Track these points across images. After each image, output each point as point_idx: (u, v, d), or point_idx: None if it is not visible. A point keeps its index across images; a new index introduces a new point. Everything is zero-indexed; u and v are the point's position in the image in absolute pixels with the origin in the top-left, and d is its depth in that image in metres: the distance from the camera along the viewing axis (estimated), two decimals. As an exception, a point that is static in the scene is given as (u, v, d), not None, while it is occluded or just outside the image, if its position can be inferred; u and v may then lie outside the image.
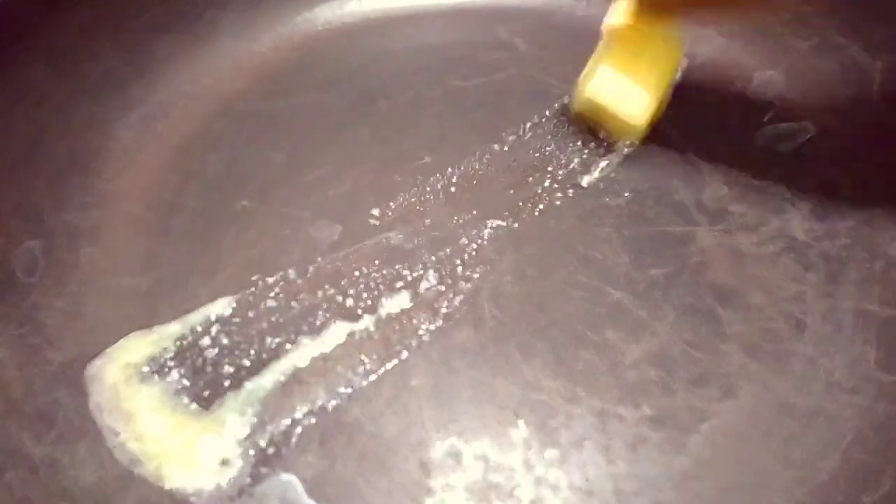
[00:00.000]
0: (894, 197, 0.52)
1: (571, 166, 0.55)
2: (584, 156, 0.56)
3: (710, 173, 0.55)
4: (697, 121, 0.58)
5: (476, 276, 0.50)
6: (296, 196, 0.55)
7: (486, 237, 0.52)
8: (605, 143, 0.56)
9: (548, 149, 0.56)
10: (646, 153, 0.56)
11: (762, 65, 0.60)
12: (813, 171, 0.55)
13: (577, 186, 0.54)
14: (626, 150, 0.56)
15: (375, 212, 0.54)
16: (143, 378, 0.47)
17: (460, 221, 0.53)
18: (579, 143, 0.56)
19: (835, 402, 0.45)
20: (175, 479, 0.43)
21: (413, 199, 0.54)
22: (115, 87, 0.59)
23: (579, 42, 0.61)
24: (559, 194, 0.54)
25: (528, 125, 0.58)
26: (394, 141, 0.57)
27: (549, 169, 0.55)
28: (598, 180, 0.54)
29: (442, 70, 0.61)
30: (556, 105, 0.59)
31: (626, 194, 0.54)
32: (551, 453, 0.44)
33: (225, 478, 0.43)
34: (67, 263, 0.51)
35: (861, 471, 0.43)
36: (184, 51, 0.61)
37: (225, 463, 0.44)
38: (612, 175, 0.55)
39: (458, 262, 0.51)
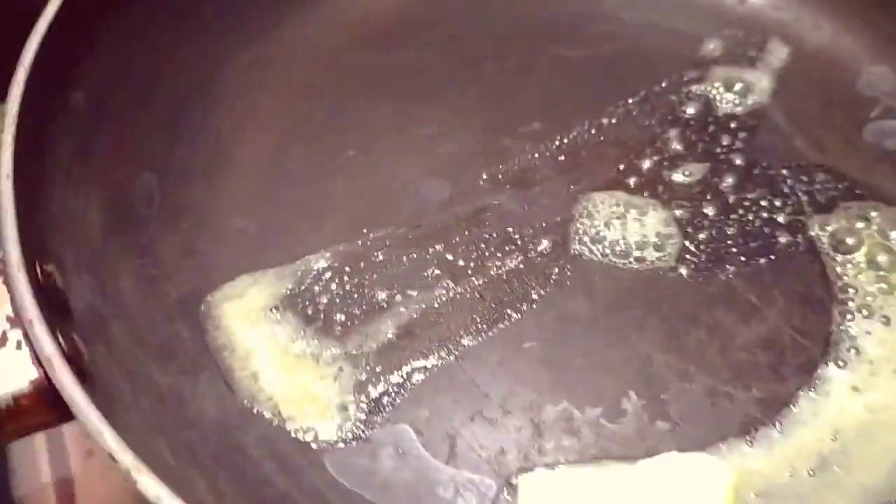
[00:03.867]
0: None
1: (678, 145, 0.55)
2: (692, 134, 0.56)
3: (817, 163, 0.55)
4: (803, 109, 0.57)
5: (587, 247, 0.51)
6: (404, 150, 0.55)
7: (598, 209, 0.52)
8: (716, 119, 0.56)
9: (656, 127, 0.56)
10: (753, 137, 0.56)
11: (873, 59, 0.59)
12: (922, 170, 0.55)
13: (684, 167, 0.54)
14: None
15: (485, 175, 0.54)
16: (257, 319, 0.47)
17: (571, 191, 0.53)
18: (686, 120, 0.56)
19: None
20: (294, 420, 0.44)
21: (523, 165, 0.54)
22: (224, 30, 0.57)
23: (688, 17, 0.61)
24: (667, 174, 0.54)
25: (634, 100, 0.58)
26: (501, 104, 0.57)
27: (657, 145, 0.55)
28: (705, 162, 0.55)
29: (548, 38, 0.61)
30: (664, 82, 0.59)
31: (733, 179, 0.54)
32: (662, 426, 0.45)
33: (342, 423, 0.44)
34: (181, 200, 0.52)
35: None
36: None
37: (341, 408, 0.45)
38: (721, 157, 0.55)
39: (570, 231, 0.51)
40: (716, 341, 0.47)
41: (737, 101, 0.58)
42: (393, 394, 0.45)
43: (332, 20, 0.61)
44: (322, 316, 0.48)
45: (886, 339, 0.47)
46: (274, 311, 0.48)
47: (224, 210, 0.52)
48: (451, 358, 0.47)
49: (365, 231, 0.51)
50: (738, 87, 0.58)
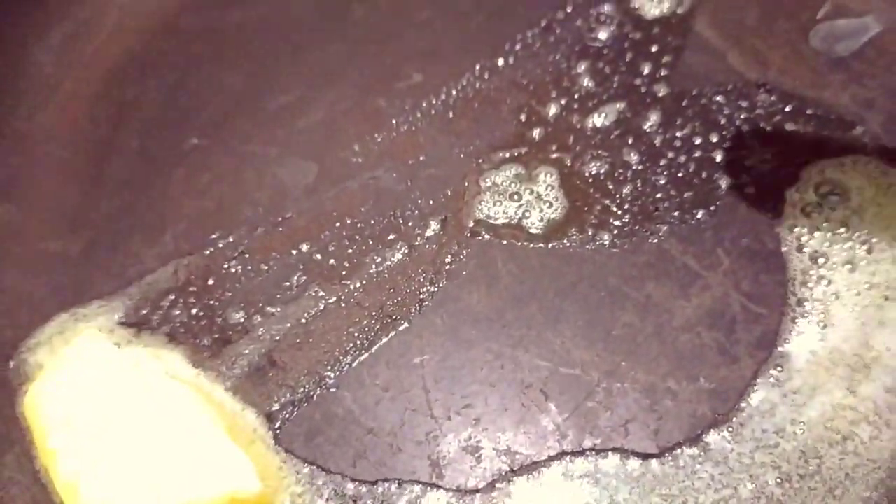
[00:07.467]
0: None
1: (589, 82, 0.46)
2: (605, 66, 0.46)
3: (758, 82, 0.45)
4: (736, 17, 0.48)
5: (485, 224, 0.41)
6: (258, 129, 0.46)
7: (496, 175, 0.42)
8: (633, 44, 0.46)
9: (562, 62, 0.46)
10: (679, 60, 0.46)
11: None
12: (880, 76, 0.45)
13: (599, 108, 0.44)
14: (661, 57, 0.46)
15: (357, 146, 0.44)
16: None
17: (462, 155, 0.43)
18: (598, 50, 0.46)
19: None
20: None
21: (403, 129, 0.45)
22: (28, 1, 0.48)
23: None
24: (578, 119, 0.44)
25: (534, 33, 0.48)
26: (375, 56, 0.47)
27: (564, 85, 0.46)
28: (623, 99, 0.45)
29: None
30: (568, 5, 0.48)
31: (658, 116, 0.44)
32: (591, 443, 0.36)
33: None
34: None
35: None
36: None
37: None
38: (643, 90, 0.45)
39: (463, 205, 0.42)
40: (649, 324, 0.39)
41: (657, 17, 0.48)
42: (255, 443, 0.36)
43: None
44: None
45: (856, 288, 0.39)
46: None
47: (35, 232, 0.43)
48: (325, 388, 0.38)
49: (213, 237, 0.42)
50: None
